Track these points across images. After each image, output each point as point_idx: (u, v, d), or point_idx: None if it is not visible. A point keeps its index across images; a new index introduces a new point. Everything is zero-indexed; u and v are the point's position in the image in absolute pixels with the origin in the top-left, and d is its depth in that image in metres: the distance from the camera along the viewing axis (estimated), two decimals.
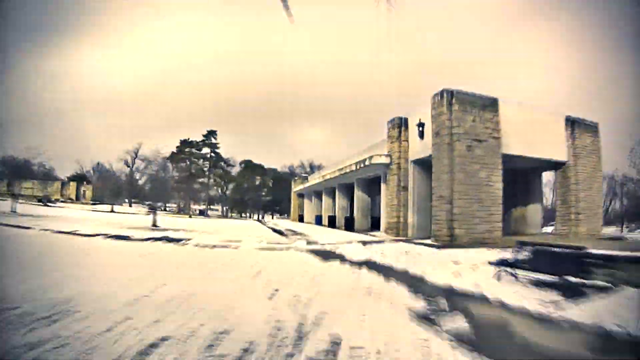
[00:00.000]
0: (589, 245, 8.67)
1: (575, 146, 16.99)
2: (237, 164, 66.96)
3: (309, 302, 4.92)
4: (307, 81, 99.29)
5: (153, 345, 3.22)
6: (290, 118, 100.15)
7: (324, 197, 31.65)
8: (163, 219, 29.38)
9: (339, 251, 10.66)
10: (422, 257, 9.85)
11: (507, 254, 10.31)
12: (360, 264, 8.47)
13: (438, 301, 5.36)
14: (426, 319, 4.45)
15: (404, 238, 16.28)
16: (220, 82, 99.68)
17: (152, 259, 8.43)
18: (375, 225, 22.23)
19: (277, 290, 5.50)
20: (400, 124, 17.28)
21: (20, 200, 35.46)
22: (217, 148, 59.80)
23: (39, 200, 46.05)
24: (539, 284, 6.85)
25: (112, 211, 41.43)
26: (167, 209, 59.87)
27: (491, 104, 14.44)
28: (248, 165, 68.15)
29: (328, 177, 27.18)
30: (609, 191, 45.47)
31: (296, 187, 42.76)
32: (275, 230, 21.21)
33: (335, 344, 3.46)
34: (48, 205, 41.79)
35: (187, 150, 57.50)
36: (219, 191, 65.55)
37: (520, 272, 7.70)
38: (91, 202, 55.45)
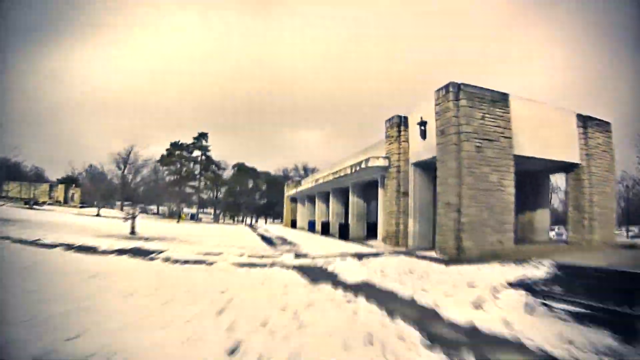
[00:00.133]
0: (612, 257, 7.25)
1: (588, 146, 15.60)
2: (229, 167, 65.48)
3: None
4: (302, 83, 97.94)
5: None
6: (284, 120, 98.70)
7: (317, 202, 30.09)
8: (148, 224, 27.79)
9: (331, 268, 9.16)
10: (430, 277, 8.36)
11: (526, 271, 8.98)
12: (356, 289, 6.95)
13: (463, 356, 3.87)
14: None
15: (403, 249, 14.79)
16: (214, 84, 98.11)
17: (102, 281, 6.86)
18: (371, 232, 20.72)
19: (240, 342, 3.96)
20: (399, 123, 15.81)
21: (5, 203, 33.99)
22: (208, 151, 58.21)
23: (25, 203, 44.39)
24: (581, 318, 5.41)
25: (98, 215, 39.70)
26: (160, 212, 58.12)
27: (501, 100, 12.99)
28: (241, 168, 66.56)
29: (321, 181, 25.65)
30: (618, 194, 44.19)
31: (289, 191, 41.12)
32: (264, 238, 19.67)
33: None
34: (33, 208, 40.20)
35: (177, 152, 55.84)
36: (211, 195, 63.85)
37: (552, 302, 6.29)
38: (80, 205, 53.69)
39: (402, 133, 15.73)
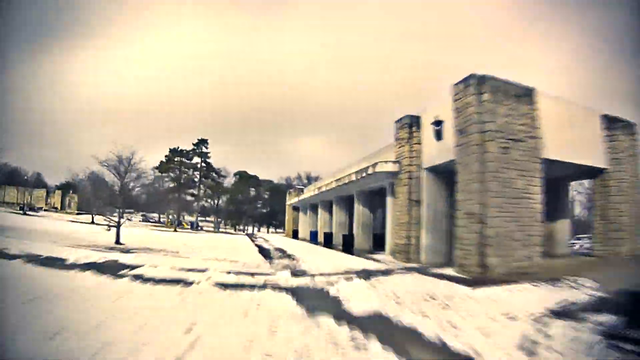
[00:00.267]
0: None
1: (614, 150, 14.00)
2: (230, 174, 63.93)
3: None
4: (305, 90, 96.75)
5: None
6: (287, 128, 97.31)
7: (320, 211, 28.43)
8: (141, 233, 26.32)
9: (334, 291, 7.53)
10: (456, 304, 6.73)
11: (564, 293, 7.83)
12: (366, 324, 5.33)
13: None
14: None
15: (416, 265, 13.13)
16: (215, 91, 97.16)
17: (36, 306, 5.28)
18: (378, 244, 19.03)
19: None
20: (410, 124, 14.20)
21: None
22: (208, 157, 56.45)
23: (21, 208, 43.26)
24: None
25: (92, 222, 38.26)
26: (161, 220, 56.55)
27: (527, 95, 11.44)
28: (242, 176, 65.04)
29: (324, 189, 24.02)
30: None
31: (291, 200, 39.44)
32: (261, 250, 18.04)
33: None
34: (27, 214, 39.03)
35: (176, 159, 54.31)
36: (212, 203, 62.25)
37: (619, 341, 4.73)
38: (76, 211, 52.40)
39: (414, 135, 14.13)
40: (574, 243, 22.56)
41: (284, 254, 16.34)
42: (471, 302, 7.02)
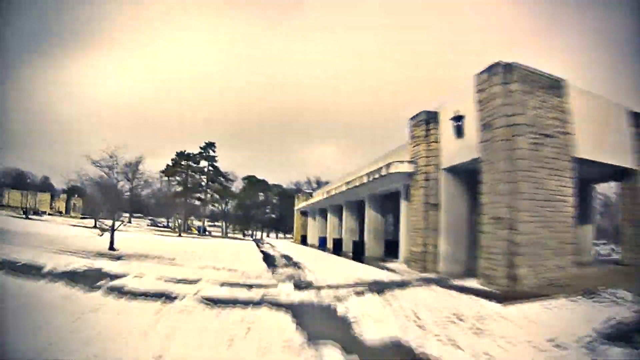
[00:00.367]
0: None
1: None
2: (238, 179, 62.92)
3: None
4: (315, 95, 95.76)
5: None
6: (297, 133, 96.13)
7: (329, 216, 27.22)
8: (142, 238, 25.42)
9: (342, 309, 6.36)
10: (488, 327, 5.56)
11: (608, 309, 6.82)
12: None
13: None
14: None
15: (433, 275, 11.88)
16: (225, 95, 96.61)
17: None
18: (391, 251, 17.77)
19: None
20: (427, 120, 12.97)
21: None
22: (215, 161, 55.49)
23: (24, 212, 42.81)
24: None
25: (95, 227, 37.55)
26: (169, 225, 55.75)
27: (556, 86, 10.19)
28: (251, 180, 64.03)
29: (334, 192, 22.84)
30: None
31: (299, 204, 38.28)
32: (266, 257, 16.90)
33: None
34: (30, 218, 38.52)
35: (183, 163, 53.43)
36: (220, 207, 61.28)
37: None
38: (81, 215, 51.85)
39: (431, 132, 12.91)
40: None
41: (289, 261, 15.19)
42: (506, 324, 5.83)
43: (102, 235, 15.40)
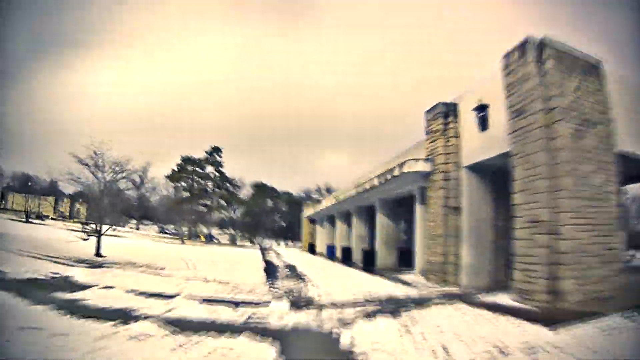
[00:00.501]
0: None
1: None
2: (246, 185, 61.48)
3: None
4: (326, 101, 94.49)
5: None
6: (307, 140, 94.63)
7: (337, 223, 25.69)
8: (137, 244, 24.20)
9: (347, 339, 4.89)
10: None
11: None
12: None
13: None
14: None
15: (455, 288, 10.34)
16: (233, 101, 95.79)
17: None
18: (404, 261, 16.21)
19: None
20: (445, 113, 11.48)
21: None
22: (222, 166, 54.26)
23: (27, 216, 42.18)
24: None
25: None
26: (176, 231, 54.48)
27: (594, 68, 8.69)
28: (260, 187, 62.68)
29: (342, 197, 21.34)
30: None
31: (307, 212, 36.76)
32: (268, 267, 15.48)
33: None
34: (30, 222, 37.80)
35: (189, 168, 52.13)
36: (227, 214, 59.93)
37: None
38: (85, 220, 50.98)
39: (450, 126, 11.42)
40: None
41: (292, 272, 13.75)
42: (566, 359, 4.34)
43: (86, 239, 14.14)
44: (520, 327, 5.72)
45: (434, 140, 11.75)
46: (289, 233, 64.16)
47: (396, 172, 12.79)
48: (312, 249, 33.42)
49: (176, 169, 52.73)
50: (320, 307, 6.93)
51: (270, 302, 7.16)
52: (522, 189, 8.18)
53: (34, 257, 11.44)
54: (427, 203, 12.23)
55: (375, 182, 15.22)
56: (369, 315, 6.11)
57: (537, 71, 8.07)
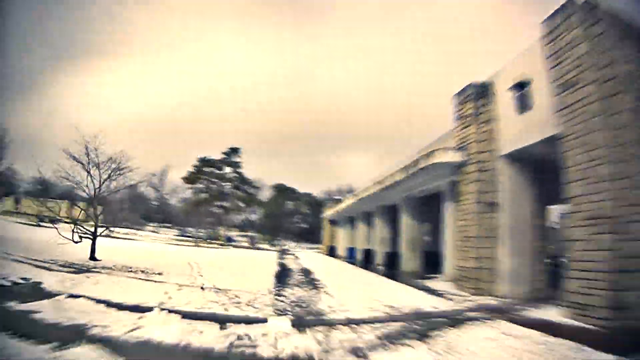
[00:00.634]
0: None
1: None
2: (265, 187, 60.51)
3: None
4: (348, 100, 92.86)
5: None
6: (331, 141, 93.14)
7: (359, 225, 24.22)
8: (144, 246, 23.32)
9: None
10: None
11: None
12: None
13: None
14: None
15: (492, 299, 8.83)
16: (252, 104, 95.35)
17: None
18: (431, 265, 14.65)
19: None
20: (478, 95, 9.97)
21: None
22: (240, 167, 53.29)
23: (40, 220, 42.56)
24: None
25: (107, 236, 36.33)
26: (196, 234, 53.99)
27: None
28: (280, 189, 61.66)
29: (362, 195, 19.90)
30: None
31: (328, 212, 35.32)
32: (281, 272, 14.21)
33: None
34: (40, 225, 37.98)
35: (206, 169, 51.30)
36: (246, 216, 59.14)
37: None
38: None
39: (484, 109, 9.90)
40: None
41: (306, 277, 12.46)
42: None
43: (79, 241, 13.17)
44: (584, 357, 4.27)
45: (465, 127, 10.24)
46: (310, 235, 62.91)
47: (423, 164, 11.32)
48: (332, 252, 32.05)
49: (193, 171, 52.04)
50: (330, 325, 5.58)
51: (267, 319, 5.85)
52: (578, 177, 6.62)
53: (17, 260, 10.53)
54: (458, 199, 10.71)
55: (398, 176, 13.76)
56: (391, 341, 4.73)
57: (587, 34, 6.54)
